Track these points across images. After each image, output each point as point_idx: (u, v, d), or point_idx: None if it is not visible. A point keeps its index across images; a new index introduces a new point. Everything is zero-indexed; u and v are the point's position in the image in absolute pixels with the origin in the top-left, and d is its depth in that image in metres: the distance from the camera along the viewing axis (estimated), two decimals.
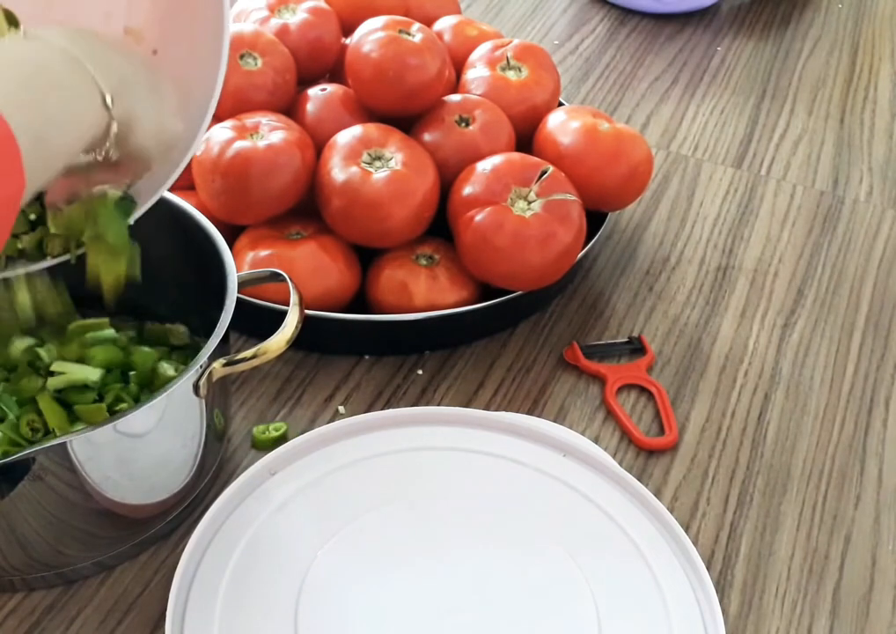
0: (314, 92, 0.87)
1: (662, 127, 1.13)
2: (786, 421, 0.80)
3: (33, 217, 0.58)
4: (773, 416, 0.80)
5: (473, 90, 0.89)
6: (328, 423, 0.74)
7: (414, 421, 0.73)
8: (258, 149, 0.78)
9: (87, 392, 0.66)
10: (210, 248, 0.67)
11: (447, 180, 0.82)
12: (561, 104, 0.96)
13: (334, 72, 0.92)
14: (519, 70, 0.91)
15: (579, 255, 0.83)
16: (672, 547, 0.66)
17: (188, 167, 0.60)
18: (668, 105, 1.17)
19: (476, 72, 0.91)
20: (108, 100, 0.51)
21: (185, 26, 0.59)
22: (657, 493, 0.73)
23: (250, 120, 0.81)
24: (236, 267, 0.66)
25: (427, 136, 0.85)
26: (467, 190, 0.80)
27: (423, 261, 0.82)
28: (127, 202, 0.59)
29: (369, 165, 0.79)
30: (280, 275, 0.68)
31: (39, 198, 0.58)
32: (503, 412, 0.77)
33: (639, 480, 0.71)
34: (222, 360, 0.62)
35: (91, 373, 0.67)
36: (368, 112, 0.86)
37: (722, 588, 0.68)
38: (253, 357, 0.62)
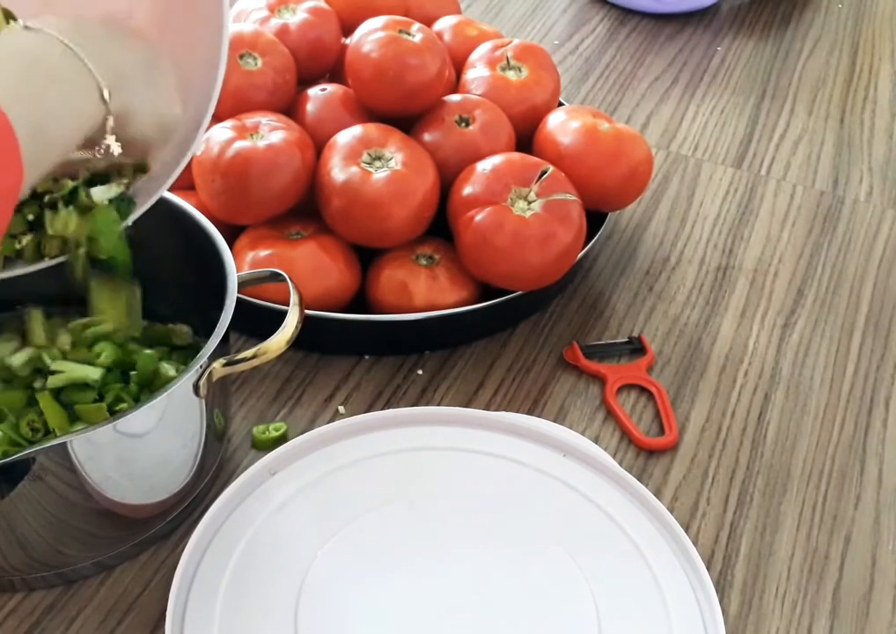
0: (314, 92, 0.87)
1: (662, 127, 1.13)
2: (786, 421, 0.80)
3: (31, 217, 0.58)
4: (773, 416, 0.80)
5: (473, 90, 0.89)
6: (328, 423, 0.74)
7: (414, 421, 0.73)
8: (258, 149, 0.78)
9: (87, 392, 0.66)
10: (210, 248, 0.67)
11: (447, 180, 0.82)
12: (561, 104, 0.96)
13: (334, 72, 0.92)
14: (519, 70, 0.91)
15: (579, 255, 0.83)
16: (672, 547, 0.66)
17: (188, 167, 0.60)
18: (668, 105, 1.17)
19: (476, 72, 0.91)
20: (106, 94, 0.51)
21: (185, 26, 0.59)
22: (657, 493, 0.73)
23: (250, 120, 0.81)
24: (236, 267, 0.66)
25: (427, 136, 0.85)
26: (467, 190, 0.80)
27: (423, 261, 0.82)
28: (125, 204, 0.59)
29: (369, 165, 0.79)
30: (280, 275, 0.68)
31: (38, 199, 0.58)
32: (503, 412, 0.77)
33: (639, 480, 0.71)
34: (222, 360, 0.62)
35: (92, 372, 0.67)
36: (368, 112, 0.86)
37: (722, 588, 0.68)
38: (253, 357, 0.62)
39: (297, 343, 0.64)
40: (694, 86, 1.20)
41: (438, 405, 0.79)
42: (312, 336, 0.74)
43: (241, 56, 0.84)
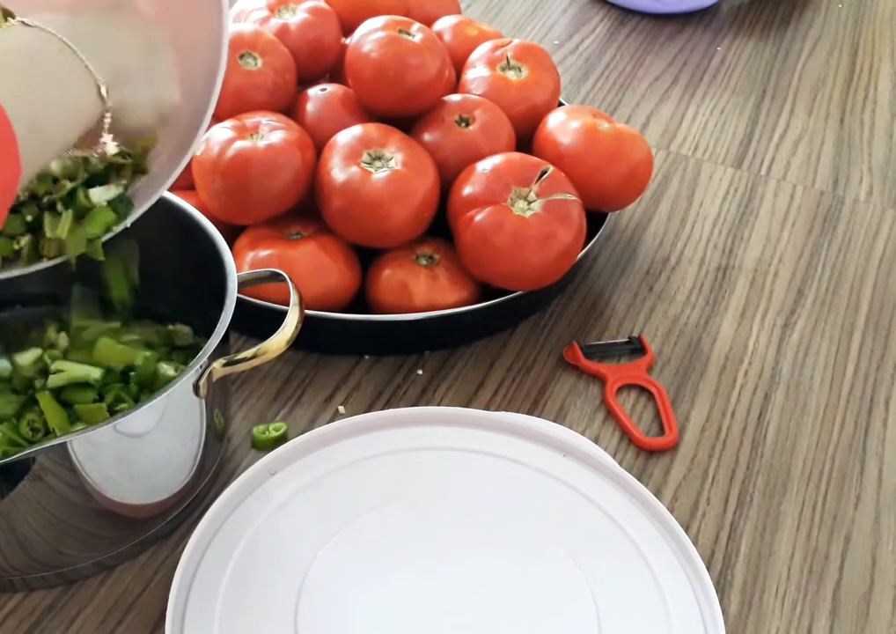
0: (314, 92, 0.87)
1: (662, 127, 1.13)
2: (786, 421, 0.80)
3: (29, 218, 0.58)
4: (773, 416, 0.80)
5: (473, 90, 0.89)
6: (328, 423, 0.74)
7: (415, 421, 0.73)
8: (258, 149, 0.78)
9: (87, 391, 0.66)
10: (210, 248, 0.67)
11: (447, 180, 0.82)
12: (561, 104, 0.96)
13: (334, 72, 0.92)
14: (519, 70, 0.91)
15: (579, 255, 0.83)
16: (672, 547, 0.66)
17: (188, 167, 0.60)
18: (668, 105, 1.17)
19: (476, 72, 0.91)
20: (104, 91, 0.51)
21: (184, 26, 0.59)
22: (657, 493, 0.73)
23: (250, 120, 0.81)
24: (236, 267, 0.66)
25: (427, 136, 0.85)
26: (467, 190, 0.80)
27: (423, 261, 0.82)
28: (124, 205, 0.59)
29: (369, 165, 0.79)
30: (280, 275, 0.68)
31: (37, 200, 0.58)
32: (503, 412, 0.77)
33: (639, 480, 0.71)
34: (222, 360, 0.62)
35: (93, 371, 0.67)
36: (368, 112, 0.86)
37: (722, 588, 0.68)
38: (253, 357, 0.62)
39: (297, 343, 0.64)
40: (694, 86, 1.20)
41: (438, 405, 0.79)
42: (312, 336, 0.74)
43: (241, 56, 0.84)
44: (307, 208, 0.82)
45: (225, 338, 0.62)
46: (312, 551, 0.65)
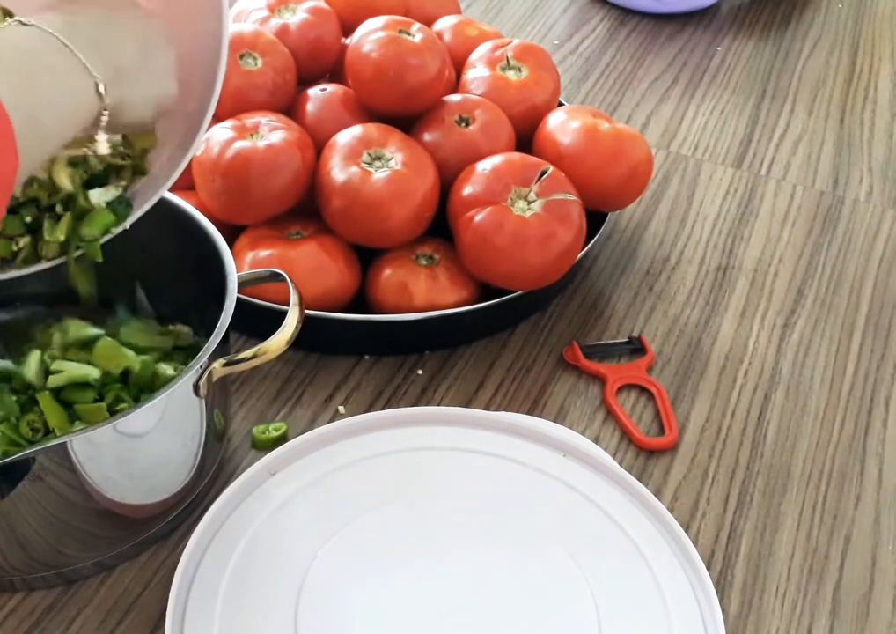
0: (314, 92, 0.87)
1: (662, 127, 1.13)
2: (786, 421, 0.80)
3: (28, 219, 0.58)
4: (773, 416, 0.80)
5: (473, 90, 0.89)
6: (328, 423, 0.74)
7: (415, 421, 0.73)
8: (258, 149, 0.78)
9: (87, 391, 0.66)
10: (210, 248, 0.67)
11: (447, 180, 0.82)
12: (561, 104, 0.96)
13: (334, 72, 0.92)
14: (519, 70, 0.91)
15: (579, 255, 0.83)
16: (672, 547, 0.66)
17: (188, 167, 0.60)
18: (668, 105, 1.17)
19: (476, 72, 0.91)
20: (101, 88, 0.51)
21: (184, 26, 0.59)
22: (657, 493, 0.73)
23: (250, 120, 0.81)
24: (236, 267, 0.66)
25: (427, 136, 0.85)
26: (467, 190, 0.80)
27: (423, 261, 0.82)
28: (123, 206, 0.59)
29: (369, 165, 0.79)
30: (280, 275, 0.68)
31: (36, 202, 0.58)
32: (503, 412, 0.77)
33: (639, 480, 0.71)
34: (222, 360, 0.62)
35: (92, 371, 0.67)
36: (368, 112, 0.86)
37: (722, 588, 0.68)
38: (253, 357, 0.62)
39: (297, 343, 0.64)
40: (694, 86, 1.20)
41: (438, 405, 0.79)
42: (312, 336, 0.74)
43: (241, 56, 0.84)
44: (307, 208, 0.82)
45: (225, 338, 0.62)
46: (312, 551, 0.65)
